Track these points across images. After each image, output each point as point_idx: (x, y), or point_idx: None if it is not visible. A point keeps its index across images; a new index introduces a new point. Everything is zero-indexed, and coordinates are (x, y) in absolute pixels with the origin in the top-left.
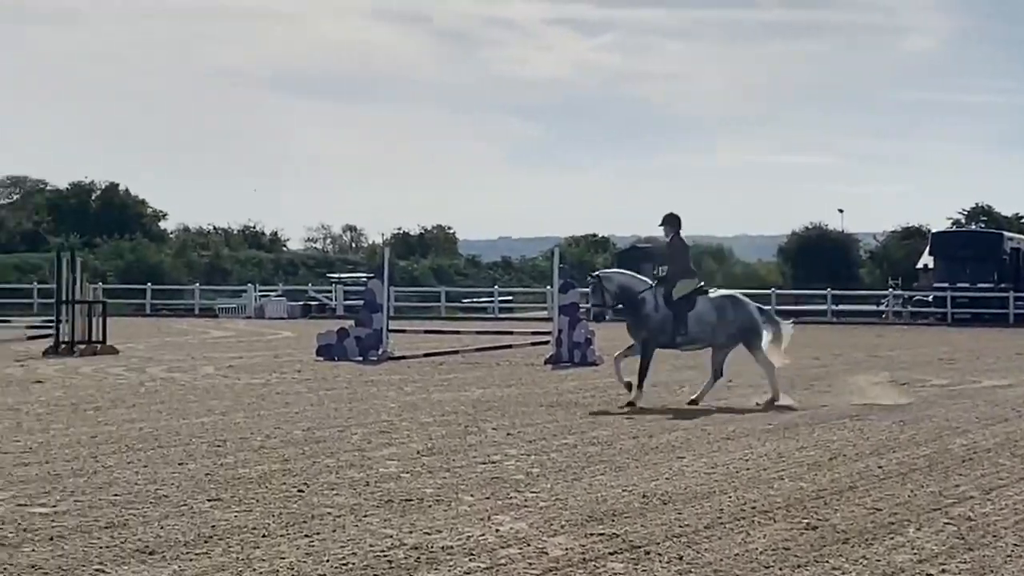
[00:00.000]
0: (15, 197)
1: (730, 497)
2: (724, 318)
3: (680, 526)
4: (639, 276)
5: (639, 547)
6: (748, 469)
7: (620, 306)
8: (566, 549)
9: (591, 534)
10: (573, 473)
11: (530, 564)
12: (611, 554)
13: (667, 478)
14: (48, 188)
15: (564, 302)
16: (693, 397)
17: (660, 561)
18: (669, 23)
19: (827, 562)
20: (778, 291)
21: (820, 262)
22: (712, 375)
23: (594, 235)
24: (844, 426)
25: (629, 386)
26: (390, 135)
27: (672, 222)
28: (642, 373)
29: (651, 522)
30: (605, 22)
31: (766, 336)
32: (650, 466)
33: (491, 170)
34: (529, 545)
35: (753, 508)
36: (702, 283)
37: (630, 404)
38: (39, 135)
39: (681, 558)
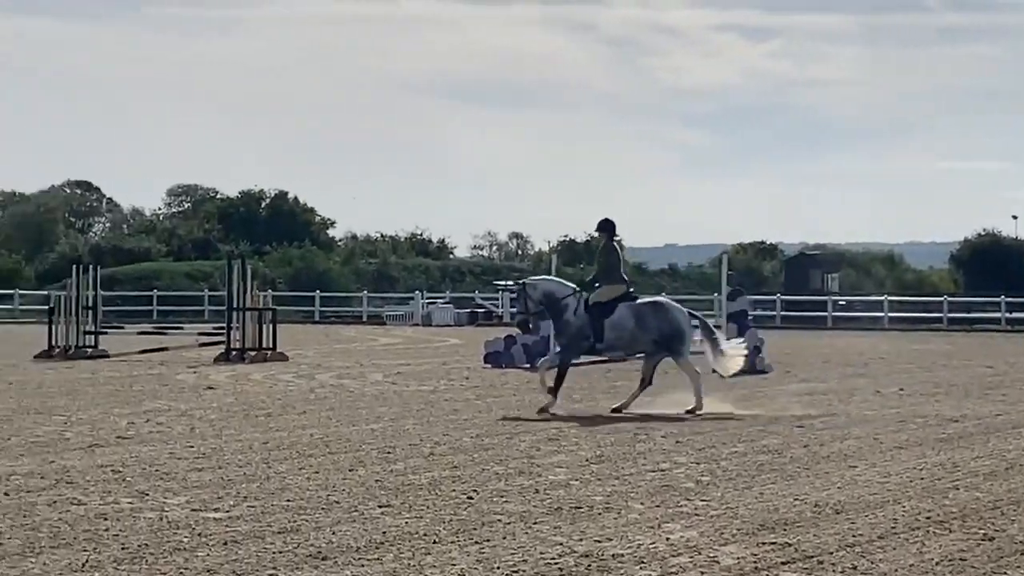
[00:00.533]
0: (186, 206)
1: (904, 507)
2: (644, 325)
3: (853, 536)
4: (565, 283)
5: (811, 557)
6: (922, 479)
7: (543, 311)
8: (738, 558)
9: (763, 543)
10: (744, 481)
11: (702, 573)
12: (783, 564)
13: (839, 487)
14: (218, 196)
15: (732, 309)
16: (616, 405)
17: (833, 571)
18: (838, 29)
19: (1004, 574)
20: (950, 299)
21: (993, 269)
22: (640, 383)
23: (761, 242)
24: (1020, 435)
25: (551, 391)
26: (556, 142)
27: (606, 227)
28: (558, 380)
29: (824, 532)
30: (772, 28)
31: (706, 346)
32: (821, 475)
33: (657, 177)
34: (700, 554)
35: (928, 518)
36: (631, 289)
37: (542, 410)
38: (209, 144)
39: (855, 568)
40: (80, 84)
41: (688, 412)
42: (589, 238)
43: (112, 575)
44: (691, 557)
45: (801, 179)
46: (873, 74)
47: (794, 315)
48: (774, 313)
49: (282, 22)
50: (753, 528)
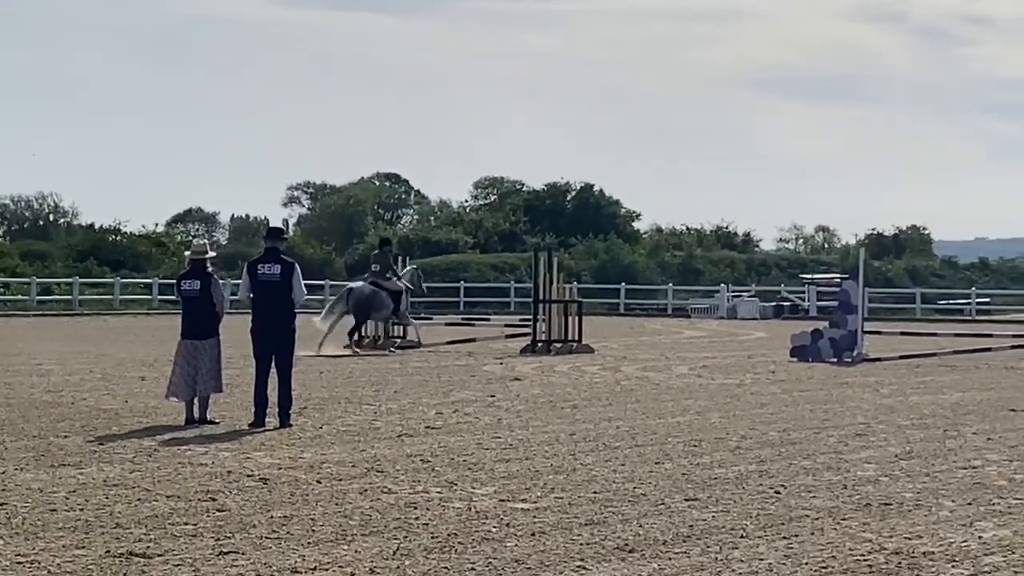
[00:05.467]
0: (492, 198)
1: None
2: None
3: None
4: None
5: None
6: None
7: None
8: None
9: None
10: None
11: (1016, 572)
12: None
13: None
14: (524, 189)
15: None
16: None
17: None
18: None
19: None
20: None
21: None
22: None
23: None
24: None
25: None
26: (864, 134)
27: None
28: None
29: None
30: None
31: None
32: None
33: (967, 170)
34: (1014, 553)
35: None
36: None
37: None
38: (516, 136)
39: None
40: (390, 76)
41: None
42: (897, 231)
43: (422, 563)
44: (1004, 556)
45: None
46: None
47: None
48: None
49: (588, 16)
50: None
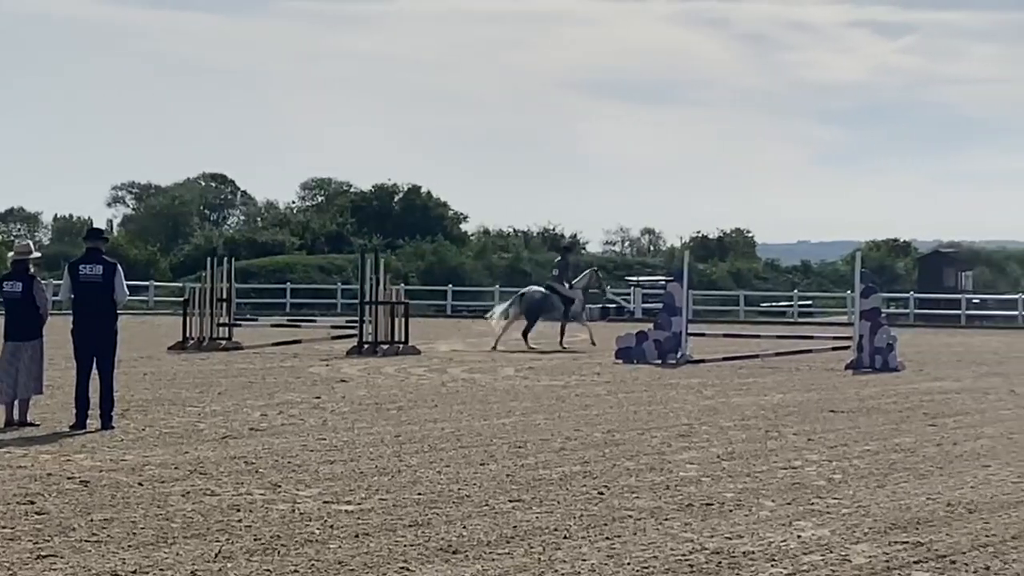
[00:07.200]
0: (320, 199)
1: None
2: None
3: (987, 536)
4: None
5: (944, 556)
6: None
7: None
8: (869, 557)
9: (895, 542)
10: (876, 480)
11: (833, 571)
12: (915, 563)
13: (972, 487)
14: (352, 190)
15: (865, 307)
16: None
17: (966, 571)
18: (972, 25)
19: None
20: None
21: None
22: None
23: (895, 239)
24: None
25: None
26: (689, 138)
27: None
28: None
29: (956, 531)
30: (906, 24)
31: None
32: (955, 474)
33: (791, 174)
34: (831, 552)
35: None
36: None
37: None
38: (343, 138)
39: (988, 568)
40: (217, 76)
41: None
42: (721, 234)
43: (244, 566)
44: (823, 555)
45: (935, 176)
46: (1008, 71)
47: (927, 313)
48: (907, 311)
49: (417, 18)
50: (885, 527)
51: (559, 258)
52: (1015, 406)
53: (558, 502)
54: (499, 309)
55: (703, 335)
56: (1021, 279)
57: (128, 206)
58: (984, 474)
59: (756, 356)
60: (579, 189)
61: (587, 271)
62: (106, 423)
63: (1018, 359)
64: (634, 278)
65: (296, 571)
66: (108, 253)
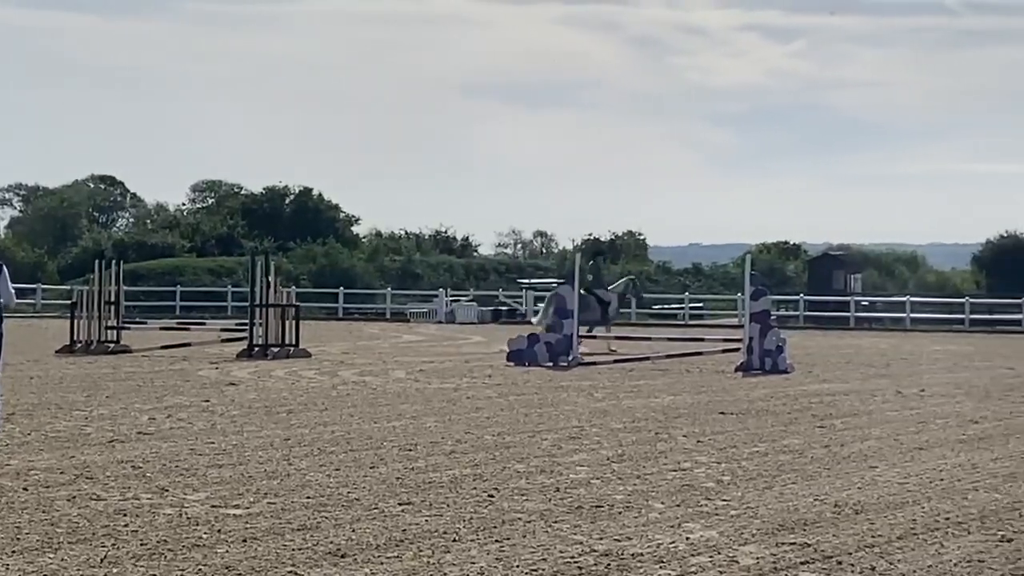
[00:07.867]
0: (210, 201)
1: (923, 508)
2: None
3: (873, 536)
4: None
5: (831, 557)
6: (942, 480)
7: None
8: (757, 558)
9: (782, 543)
10: (764, 481)
11: (720, 572)
12: (802, 564)
13: (859, 488)
14: (242, 192)
15: (755, 309)
16: None
17: (852, 572)
18: (860, 30)
19: None
20: (972, 300)
21: (1016, 270)
22: None
23: (785, 242)
24: None
25: None
26: (581, 141)
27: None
28: None
29: (843, 532)
30: (796, 29)
31: None
32: (842, 475)
33: (682, 177)
34: (719, 553)
35: (947, 519)
36: None
37: None
38: (234, 140)
39: (874, 569)
40: (107, 77)
41: None
42: (613, 237)
43: (130, 571)
44: (711, 557)
45: (825, 179)
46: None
47: (817, 315)
48: (797, 313)
49: (308, 19)
50: (773, 528)
51: (591, 263)
52: (901, 408)
53: (448, 505)
54: (538, 316)
55: (594, 337)
56: (909, 281)
57: (15, 208)
58: (871, 475)
59: (647, 358)
60: (471, 192)
61: (624, 279)
62: None
63: (905, 361)
64: (526, 281)
65: (183, 575)
66: None
